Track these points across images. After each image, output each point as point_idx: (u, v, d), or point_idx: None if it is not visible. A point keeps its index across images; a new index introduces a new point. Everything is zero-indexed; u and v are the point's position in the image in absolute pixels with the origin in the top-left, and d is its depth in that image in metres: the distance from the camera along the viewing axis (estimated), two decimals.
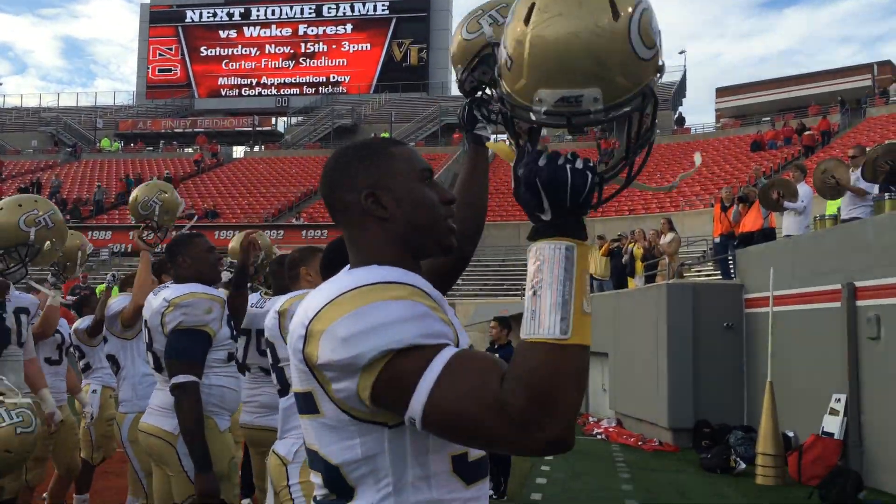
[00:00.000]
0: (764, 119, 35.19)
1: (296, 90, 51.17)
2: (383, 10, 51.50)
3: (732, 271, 11.35)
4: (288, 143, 44.31)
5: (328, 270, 2.37)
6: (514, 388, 1.09)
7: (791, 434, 8.29)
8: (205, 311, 3.10)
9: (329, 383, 1.20)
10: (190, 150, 42.70)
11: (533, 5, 1.17)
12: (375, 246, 1.36)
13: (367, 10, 51.63)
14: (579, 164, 1.13)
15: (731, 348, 9.75)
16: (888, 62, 39.22)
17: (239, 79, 51.84)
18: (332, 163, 1.46)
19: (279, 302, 3.00)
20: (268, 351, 3.03)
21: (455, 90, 52.23)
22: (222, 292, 3.46)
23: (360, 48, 51.85)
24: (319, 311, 1.21)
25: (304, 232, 26.59)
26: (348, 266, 1.39)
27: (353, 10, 51.71)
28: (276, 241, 26.21)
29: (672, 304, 9.75)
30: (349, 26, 51.84)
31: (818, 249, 8.45)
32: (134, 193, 4.72)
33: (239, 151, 44.33)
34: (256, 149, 44.18)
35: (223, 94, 51.68)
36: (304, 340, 1.22)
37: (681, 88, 44.54)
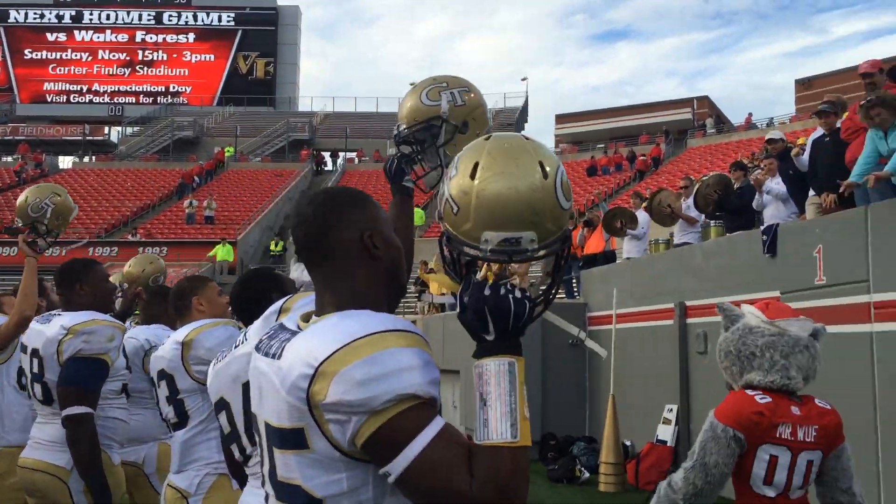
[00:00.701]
0: (598, 146, 37.44)
1: (131, 99, 48.66)
2: (228, 21, 50.12)
3: (576, 291, 11.99)
4: (123, 154, 41.97)
5: (247, 304, 2.35)
6: (485, 487, 1.25)
7: (629, 443, 8.84)
8: (107, 339, 2.95)
9: (326, 422, 1.29)
10: (10, 158, 39.45)
11: (477, 164, 1.38)
12: (365, 284, 1.48)
13: (212, 21, 50.05)
14: (517, 293, 1.33)
15: (575, 364, 10.25)
16: (706, 97, 43.02)
17: (68, 84, 48.57)
18: (325, 204, 1.52)
19: (182, 333, 2.87)
20: (162, 382, 2.89)
21: (303, 106, 51.84)
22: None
23: (203, 59, 50.14)
24: (334, 353, 1.28)
25: (140, 249, 25.23)
26: (331, 306, 1.46)
27: (196, 20, 49.95)
28: (110, 259, 24.73)
29: (543, 329, 10.14)
30: (191, 35, 50.02)
31: (654, 271, 9.11)
32: (23, 195, 4.29)
33: (67, 161, 41.45)
34: (87, 159, 41.48)
35: (49, 99, 48.20)
36: (312, 379, 1.28)
37: (523, 113, 46.51)
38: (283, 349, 1.39)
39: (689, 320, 8.13)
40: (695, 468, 2.48)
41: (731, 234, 8.42)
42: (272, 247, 24.47)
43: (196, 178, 34.30)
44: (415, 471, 1.25)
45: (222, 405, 2.19)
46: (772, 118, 36.71)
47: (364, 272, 1.48)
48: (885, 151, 5.11)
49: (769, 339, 2.56)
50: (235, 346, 2.20)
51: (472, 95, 2.13)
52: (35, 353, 3.06)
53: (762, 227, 7.30)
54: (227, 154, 38.84)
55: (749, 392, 2.53)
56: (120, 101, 48.46)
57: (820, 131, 6.48)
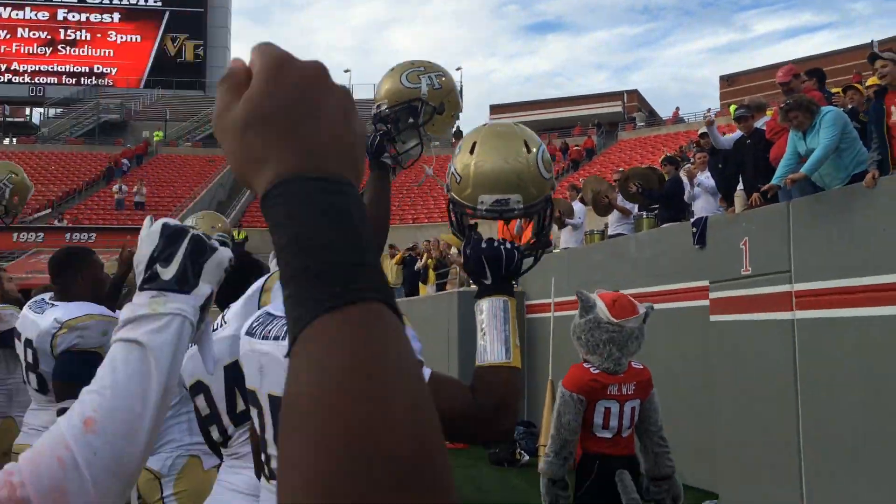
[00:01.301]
0: None
1: (54, 79, 46.80)
2: (155, 1, 48.70)
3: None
4: (45, 136, 40.45)
5: (225, 288, 2.44)
6: (486, 399, 1.53)
7: None
8: (101, 334, 2.95)
9: None
10: None
11: (475, 143, 1.78)
12: None
13: (138, 0, 48.53)
14: (508, 245, 1.66)
15: None
16: (635, 91, 44.10)
17: None
18: None
19: None
20: None
21: None
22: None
23: (128, 39, 48.58)
24: None
25: (68, 235, 24.49)
26: None
27: None
28: (36, 245, 23.92)
29: (462, 310, 10.37)
30: (116, 15, 48.38)
31: (590, 261, 9.47)
32: None
33: None
34: (7, 141, 39.84)
35: None
36: None
37: None
38: (285, 332, 1.54)
39: None
40: (557, 429, 3.40)
41: (663, 225, 8.83)
42: (235, 235, 24.22)
43: (125, 162, 33.39)
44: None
45: (199, 388, 2.23)
46: (700, 112, 37.88)
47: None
48: (803, 151, 5.50)
49: (610, 336, 3.42)
50: (214, 329, 2.30)
51: (447, 80, 2.32)
52: (29, 343, 3.06)
53: (692, 220, 7.71)
54: (156, 138, 37.88)
55: (585, 365, 3.50)
56: (41, 80, 46.59)
57: (739, 133, 6.89)
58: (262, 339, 1.68)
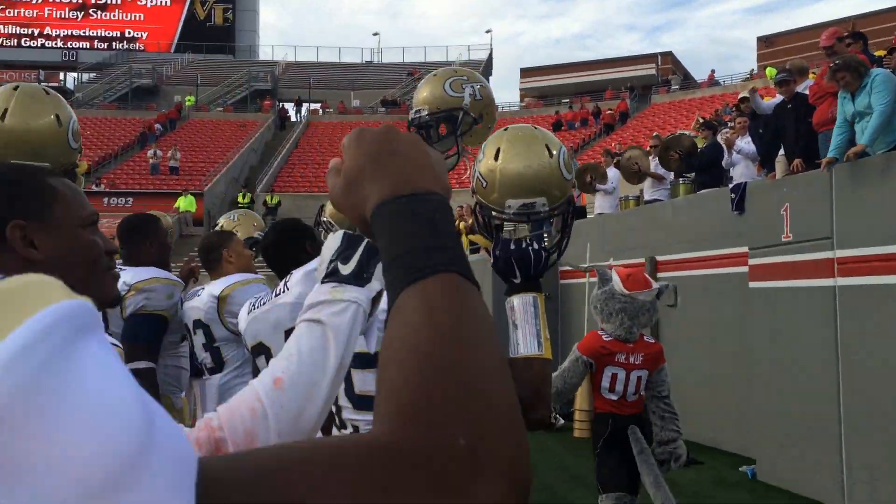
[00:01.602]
0: (563, 100, 37.56)
1: (86, 44, 47.12)
2: None
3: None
4: (80, 101, 40.87)
5: (281, 254, 2.54)
6: (522, 389, 1.62)
7: None
8: (167, 297, 3.06)
9: None
10: None
11: (499, 149, 1.84)
12: None
13: None
14: (535, 245, 1.76)
15: (548, 316, 10.60)
16: (669, 53, 43.28)
17: (18, 28, 46.83)
18: None
19: (218, 287, 3.05)
20: (199, 331, 3.08)
21: (263, 55, 50.96)
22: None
23: (158, 3, 48.65)
24: None
25: (105, 199, 24.87)
26: None
27: None
28: None
29: (496, 276, 10.40)
30: None
31: (625, 227, 9.43)
32: None
33: None
34: None
35: None
36: None
37: (487, 66, 46.32)
38: (284, 286, 1.81)
39: (660, 274, 8.48)
40: (558, 377, 3.78)
41: (699, 191, 8.75)
42: (240, 199, 24.33)
43: (158, 126, 33.68)
44: None
45: (261, 349, 2.35)
46: (737, 75, 37.16)
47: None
48: (849, 114, 5.40)
49: (623, 306, 3.81)
50: (276, 295, 2.39)
51: (487, 91, 2.34)
52: None
53: (731, 186, 7.63)
54: (187, 103, 38.11)
55: (600, 333, 3.92)
56: (73, 45, 46.95)
57: (780, 98, 6.76)
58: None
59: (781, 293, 6.33)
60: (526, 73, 44.93)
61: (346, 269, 1.21)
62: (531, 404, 1.64)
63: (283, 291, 2.35)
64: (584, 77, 41.24)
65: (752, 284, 6.66)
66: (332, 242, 1.25)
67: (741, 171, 7.58)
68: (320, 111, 39.76)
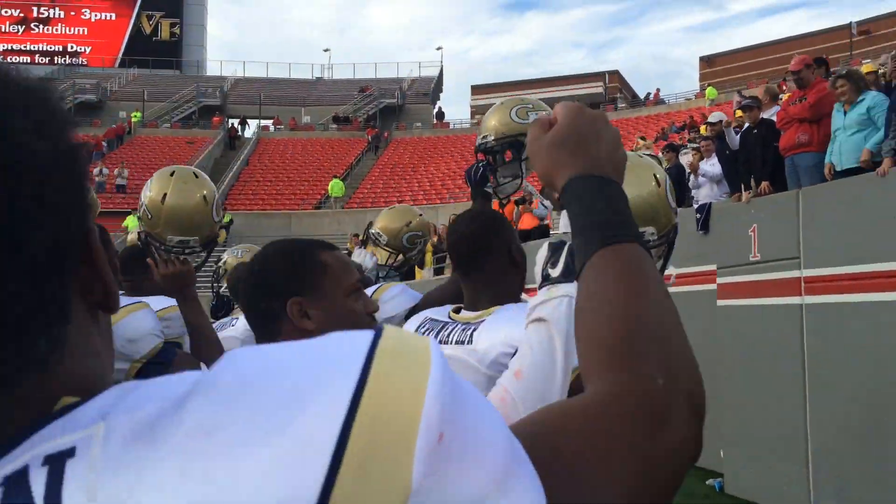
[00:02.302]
0: None
1: (27, 58, 45.88)
2: None
3: None
4: None
5: None
6: None
7: None
8: (182, 325, 2.99)
9: None
10: None
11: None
12: (511, 284, 1.88)
13: None
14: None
15: None
16: (616, 72, 44.25)
17: None
18: (484, 224, 1.94)
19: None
20: None
21: (211, 70, 50.26)
22: None
23: (103, 17, 47.75)
24: None
25: None
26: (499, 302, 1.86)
27: None
28: None
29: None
30: None
31: None
32: None
33: None
34: None
35: None
36: (513, 356, 1.65)
37: (439, 83, 46.61)
38: (470, 337, 1.76)
39: None
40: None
41: None
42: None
43: (104, 144, 32.95)
44: None
45: None
46: (680, 93, 38.13)
47: (511, 276, 1.87)
48: (839, 124, 5.66)
49: None
50: None
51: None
52: None
53: (696, 206, 7.84)
54: (133, 119, 37.38)
55: None
56: (15, 60, 45.65)
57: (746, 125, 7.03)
58: (442, 343, 1.83)
59: (749, 311, 6.53)
60: (477, 90, 45.38)
61: (555, 272, 1.38)
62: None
63: None
64: (534, 94, 41.77)
65: (720, 302, 6.85)
66: (540, 254, 1.42)
67: (706, 192, 7.80)
68: (271, 127, 39.41)
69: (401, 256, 3.71)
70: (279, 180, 30.47)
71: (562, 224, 10.56)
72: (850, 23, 35.59)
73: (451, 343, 1.79)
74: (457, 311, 1.91)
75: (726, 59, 41.48)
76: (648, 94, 38.77)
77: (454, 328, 1.83)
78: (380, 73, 46.72)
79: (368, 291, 2.35)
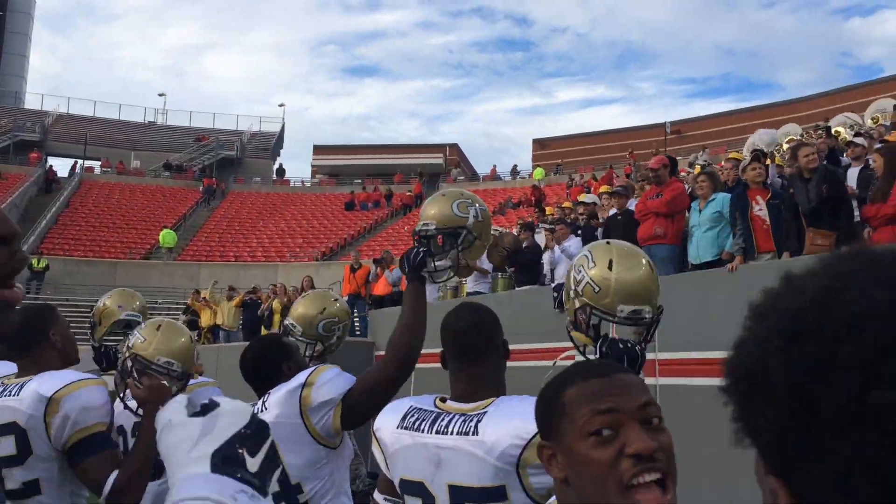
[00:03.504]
0: (356, 181, 38.23)
1: None
2: None
3: (358, 329, 12.28)
4: None
5: (262, 373, 2.46)
6: None
7: None
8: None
9: (528, 476, 1.70)
10: None
11: (611, 260, 2.10)
12: (501, 373, 1.96)
13: None
14: (638, 347, 2.01)
15: None
16: (455, 145, 45.93)
17: None
18: (488, 314, 2.05)
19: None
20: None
21: (31, 103, 46.69)
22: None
23: None
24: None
25: None
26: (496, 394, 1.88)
27: None
28: None
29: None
30: None
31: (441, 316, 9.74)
32: None
33: None
34: None
35: None
36: (524, 448, 1.69)
37: (279, 139, 46.13)
38: (475, 428, 1.77)
39: None
40: None
41: (518, 287, 9.30)
42: (35, 264, 21.79)
43: None
44: None
45: None
46: (507, 171, 39.98)
47: (504, 366, 1.98)
48: (695, 221, 6.18)
49: None
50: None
51: (486, 213, 2.52)
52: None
53: (553, 285, 8.22)
54: None
55: None
56: None
57: (613, 210, 7.55)
58: (438, 433, 1.84)
59: None
60: (319, 150, 45.30)
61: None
62: None
63: (262, 410, 2.28)
64: (376, 160, 42.36)
65: (566, 356, 7.16)
66: None
67: (563, 270, 8.20)
68: (97, 169, 36.99)
69: (319, 345, 3.61)
70: (104, 226, 28.54)
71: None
72: (665, 122, 39.37)
73: (451, 434, 1.79)
74: (443, 400, 1.93)
75: (557, 143, 44.32)
76: (490, 170, 40.51)
77: (452, 419, 1.83)
78: (218, 124, 45.56)
79: (306, 372, 2.28)
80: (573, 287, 2.16)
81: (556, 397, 1.18)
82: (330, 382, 2.28)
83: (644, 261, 2.16)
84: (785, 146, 12.14)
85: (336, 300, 3.83)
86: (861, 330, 0.48)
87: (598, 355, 2.03)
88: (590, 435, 1.08)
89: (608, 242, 2.23)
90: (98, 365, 3.68)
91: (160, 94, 47.41)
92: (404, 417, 1.95)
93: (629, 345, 2.00)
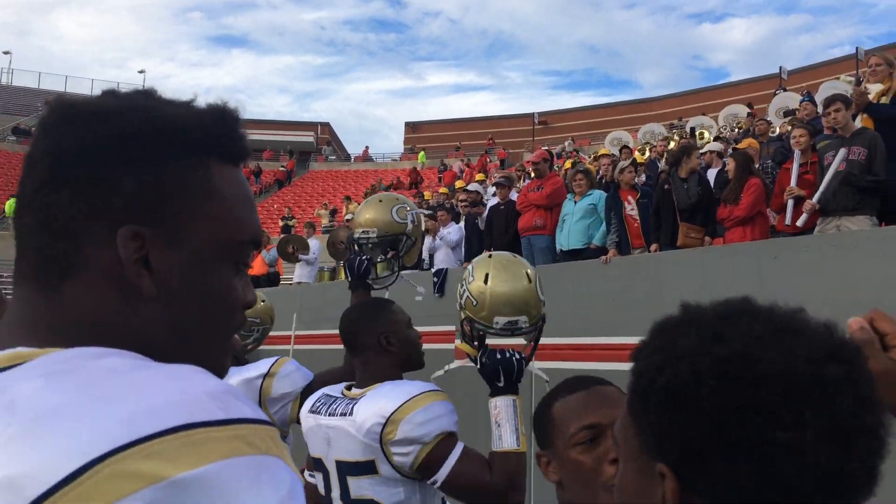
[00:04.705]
0: None
1: None
2: None
3: None
4: None
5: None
6: (500, 478, 1.93)
7: None
8: None
9: (392, 454, 1.92)
10: None
11: (487, 274, 2.19)
12: (387, 367, 2.13)
13: None
14: (516, 356, 2.08)
15: None
16: (328, 124, 45.32)
17: None
18: (355, 311, 2.25)
19: None
20: None
21: None
22: None
23: None
24: (399, 407, 1.94)
25: None
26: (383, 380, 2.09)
27: None
28: None
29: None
30: None
31: (327, 297, 9.77)
32: None
33: None
34: None
35: None
36: (384, 425, 1.93)
37: None
38: (351, 410, 2.01)
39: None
40: None
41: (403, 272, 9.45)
42: None
43: None
44: (452, 475, 1.92)
45: None
46: (386, 154, 40.10)
47: (384, 358, 2.13)
48: (568, 210, 6.55)
49: None
50: None
51: (421, 217, 2.65)
52: None
53: (434, 270, 8.44)
54: None
55: None
56: None
57: (496, 199, 7.84)
58: (329, 415, 2.07)
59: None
60: None
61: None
62: (507, 491, 1.92)
63: None
64: (247, 134, 41.02)
65: (457, 363, 7.42)
66: None
67: (442, 256, 8.44)
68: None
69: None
70: None
71: (297, 273, 10.60)
72: (533, 113, 40.66)
73: (336, 415, 2.05)
74: (349, 388, 2.17)
75: (428, 127, 44.69)
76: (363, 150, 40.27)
77: (341, 403, 2.09)
78: (70, 87, 42.64)
79: (267, 362, 2.35)
80: (459, 300, 2.27)
81: (546, 411, 1.41)
82: (291, 375, 2.47)
83: (523, 272, 2.21)
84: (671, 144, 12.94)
85: (263, 300, 3.86)
86: (769, 386, 0.66)
87: (478, 366, 2.11)
88: (576, 445, 1.32)
89: (490, 255, 2.32)
90: None
91: (5, 52, 43.64)
92: (314, 402, 2.19)
93: (507, 355, 2.07)
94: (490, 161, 28.56)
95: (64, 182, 0.65)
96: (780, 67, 30.30)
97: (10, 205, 24.53)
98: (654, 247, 6.20)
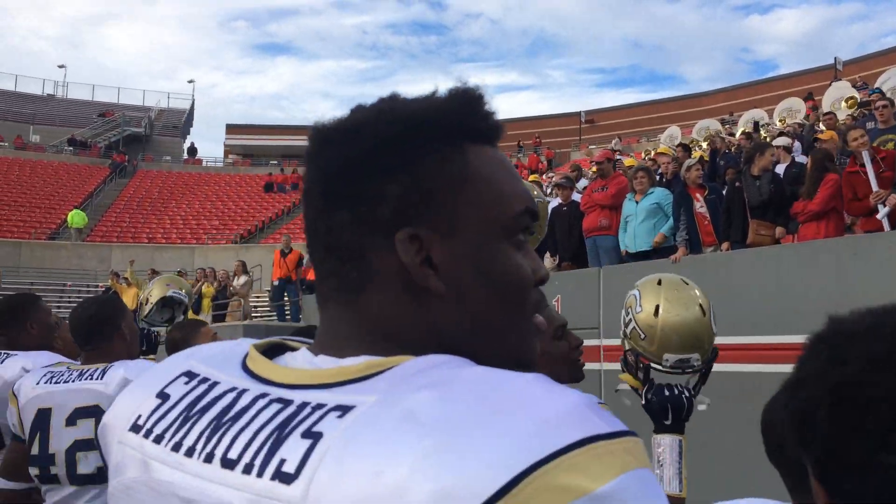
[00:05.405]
0: (271, 161, 37.48)
1: None
2: None
3: (288, 313, 12.19)
4: None
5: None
6: None
7: None
8: None
9: None
10: None
11: (658, 305, 2.03)
12: None
13: None
14: (686, 393, 1.93)
15: None
16: None
17: None
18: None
19: None
20: None
21: None
22: None
23: None
24: None
25: None
26: None
27: None
28: None
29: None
30: None
31: None
32: None
33: None
34: None
35: None
36: None
37: (189, 117, 44.68)
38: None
39: None
40: None
41: None
42: None
43: None
44: None
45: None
46: None
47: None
48: (630, 211, 6.48)
49: None
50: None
51: (544, 204, 2.59)
52: None
53: None
54: None
55: None
56: None
57: (557, 200, 7.80)
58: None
59: None
60: (232, 129, 44.15)
61: None
62: None
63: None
64: (292, 141, 41.61)
65: (624, 385, 7.42)
66: None
67: None
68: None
69: None
70: (4, 204, 27.03)
71: None
72: (580, 111, 40.33)
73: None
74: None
75: None
76: None
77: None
78: (123, 99, 43.74)
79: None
80: (623, 328, 2.12)
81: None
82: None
83: (697, 302, 2.04)
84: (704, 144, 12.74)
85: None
86: (877, 411, 0.68)
87: (643, 402, 1.97)
88: None
89: (659, 282, 2.14)
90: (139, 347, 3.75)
91: (60, 66, 45.02)
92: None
93: (675, 392, 1.91)
94: (541, 162, 28.42)
95: (335, 204, 0.68)
96: (835, 58, 29.53)
97: (72, 216, 25.24)
98: (725, 245, 6.10)
